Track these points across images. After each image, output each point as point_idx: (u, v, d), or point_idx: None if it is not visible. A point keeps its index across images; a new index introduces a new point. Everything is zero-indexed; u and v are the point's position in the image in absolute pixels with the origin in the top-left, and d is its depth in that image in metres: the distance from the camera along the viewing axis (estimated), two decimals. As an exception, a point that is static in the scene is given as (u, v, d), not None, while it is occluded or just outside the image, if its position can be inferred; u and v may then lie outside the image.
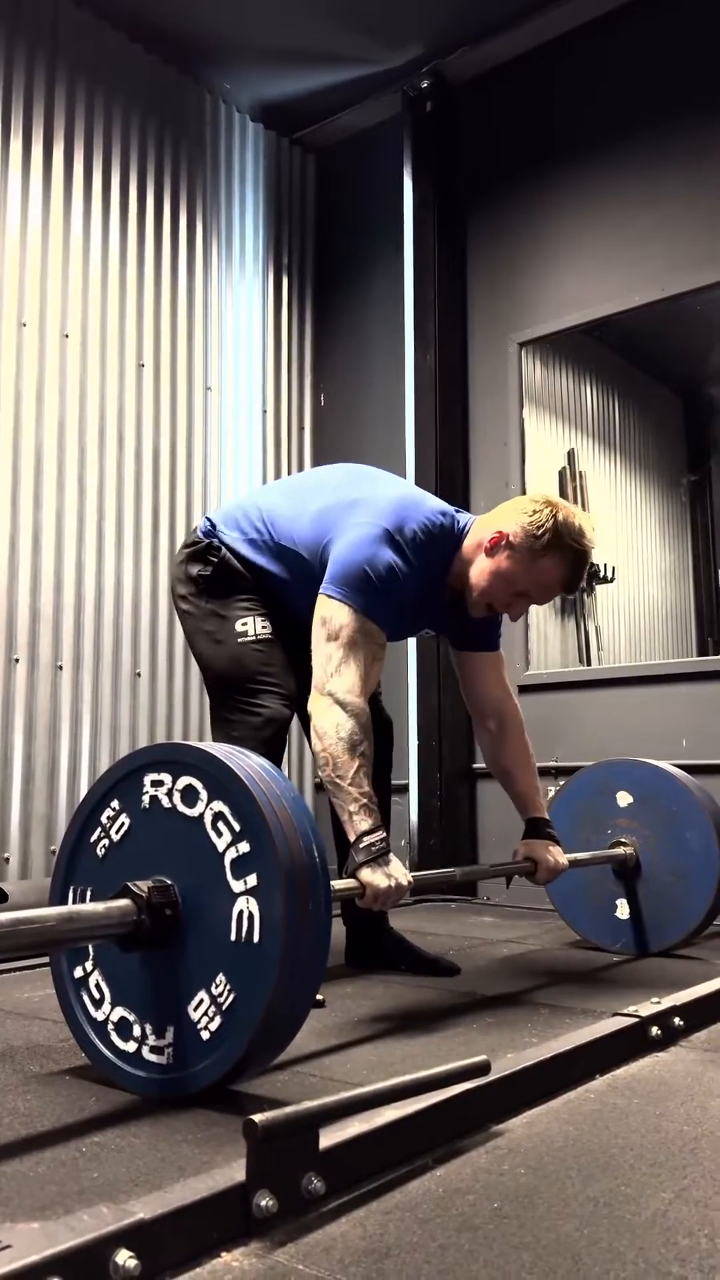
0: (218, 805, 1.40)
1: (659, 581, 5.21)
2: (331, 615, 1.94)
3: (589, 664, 4.55)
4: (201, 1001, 1.36)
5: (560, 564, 2.06)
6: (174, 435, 3.95)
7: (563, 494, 4.65)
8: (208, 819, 1.40)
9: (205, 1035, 1.36)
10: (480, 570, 2.09)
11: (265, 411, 4.35)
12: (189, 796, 1.43)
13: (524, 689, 3.83)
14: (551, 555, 2.04)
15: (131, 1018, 1.44)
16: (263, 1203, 1.00)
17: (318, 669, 1.94)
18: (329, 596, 1.96)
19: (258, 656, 2.16)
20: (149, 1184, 1.12)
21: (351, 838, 1.85)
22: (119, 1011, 1.46)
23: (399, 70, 4.20)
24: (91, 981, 1.51)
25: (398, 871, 1.84)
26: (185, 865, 1.41)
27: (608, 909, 2.61)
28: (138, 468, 3.82)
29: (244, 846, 1.36)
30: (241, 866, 1.36)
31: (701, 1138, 1.28)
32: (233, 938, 1.35)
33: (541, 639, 4.25)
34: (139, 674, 3.73)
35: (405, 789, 3.89)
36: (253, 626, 2.16)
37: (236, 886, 1.36)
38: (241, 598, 2.20)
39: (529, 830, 2.27)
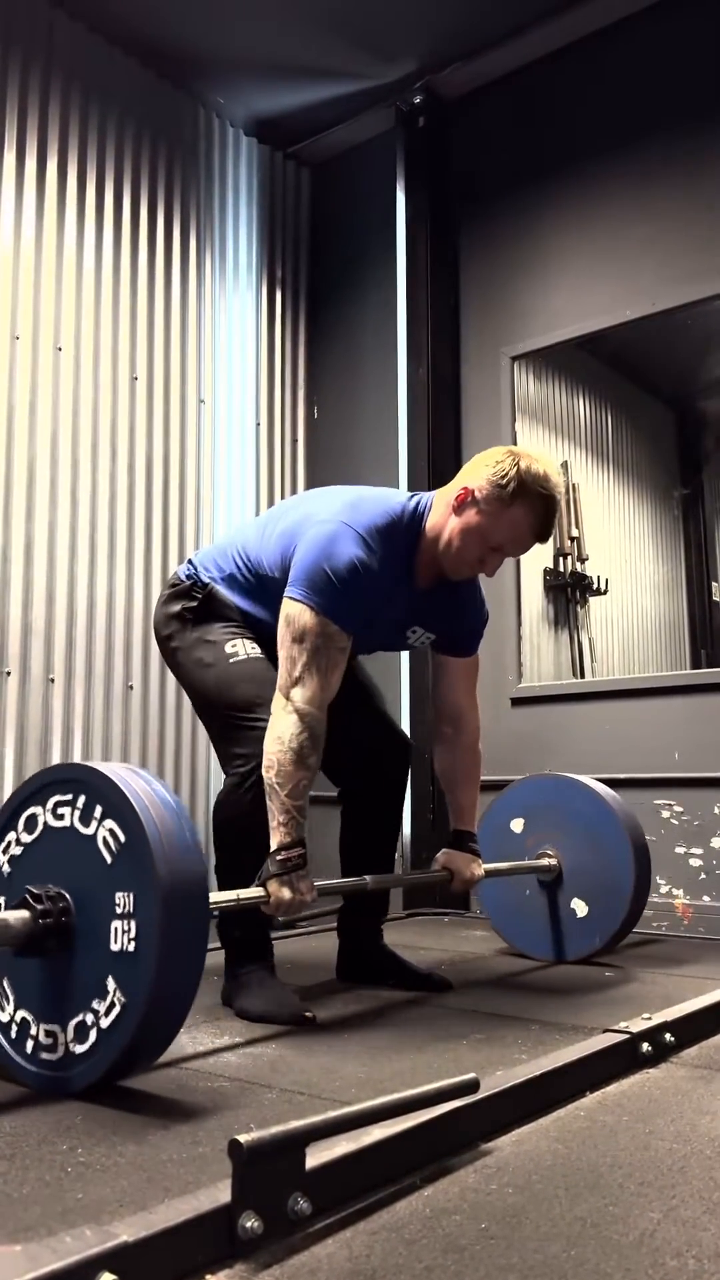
0: (109, 823, 1.50)
1: (652, 594, 5.22)
2: (294, 616, 1.98)
3: (582, 676, 4.55)
4: (92, 1004, 1.47)
5: (529, 512, 2.06)
6: (167, 448, 3.96)
7: (555, 506, 4.66)
8: (99, 835, 1.51)
9: (94, 1035, 1.46)
10: (451, 530, 2.10)
11: (258, 424, 4.35)
12: (83, 813, 1.54)
13: (516, 702, 3.83)
14: (520, 504, 2.04)
15: (30, 1018, 1.55)
16: (248, 1224, 0.99)
17: (282, 669, 1.98)
18: (291, 598, 1.99)
19: (251, 672, 2.15)
20: (134, 1205, 1.12)
21: (272, 847, 1.92)
22: (21, 1013, 1.56)
23: (392, 85, 4.22)
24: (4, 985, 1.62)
25: (304, 886, 1.91)
26: (77, 877, 1.52)
27: (532, 919, 2.72)
28: (130, 480, 3.82)
29: (126, 862, 1.47)
30: (123, 880, 1.46)
31: (691, 1156, 1.28)
32: (115, 947, 1.45)
33: (534, 651, 4.25)
34: (131, 686, 3.72)
35: (398, 802, 3.89)
36: (242, 648, 2.16)
37: (119, 898, 1.46)
38: (228, 625, 2.21)
39: (453, 841, 2.36)
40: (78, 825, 1.54)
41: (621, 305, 3.76)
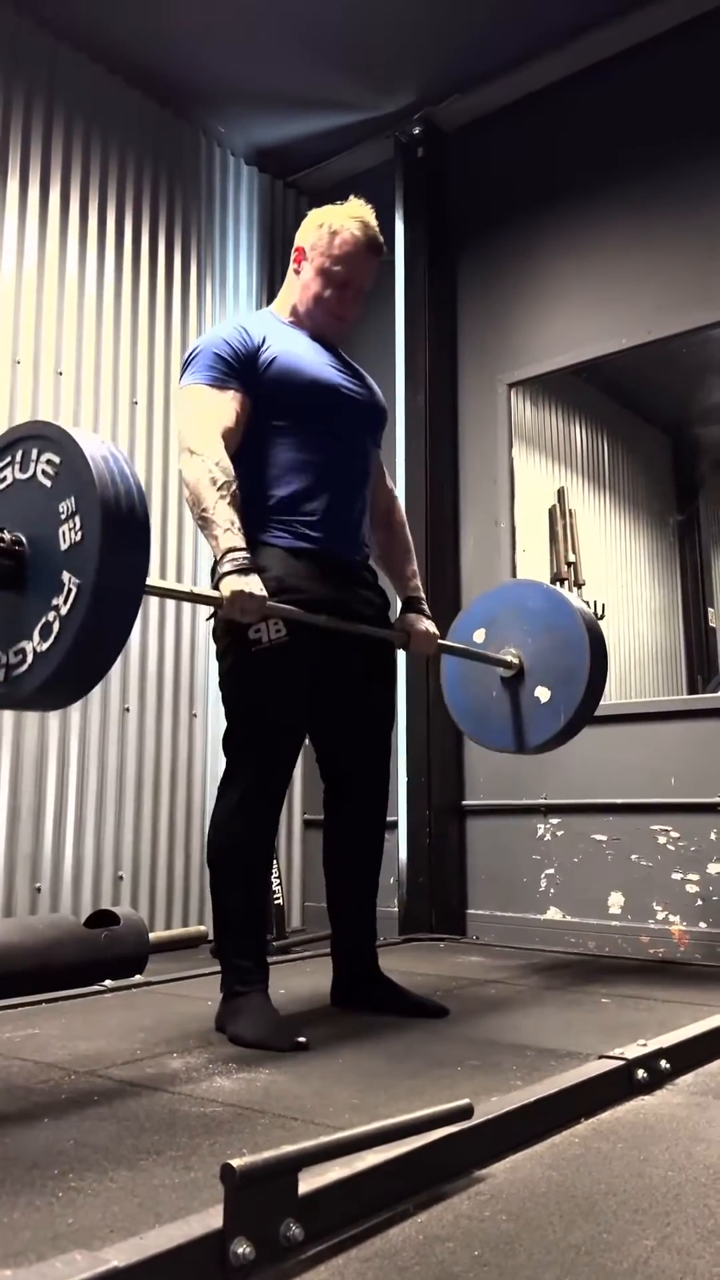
0: (46, 456, 1.65)
1: (649, 619, 5.23)
2: (180, 400, 2.18)
3: (578, 701, 4.54)
4: (52, 603, 1.58)
5: (352, 230, 2.29)
6: (166, 473, 3.97)
7: (553, 531, 4.69)
8: (37, 471, 1.66)
9: (57, 626, 1.57)
10: (303, 287, 2.34)
11: (257, 448, 4.37)
12: (21, 464, 1.68)
13: (513, 726, 3.82)
14: (342, 228, 2.29)
15: None
16: (240, 1250, 0.99)
17: (178, 436, 2.14)
18: (179, 390, 2.20)
19: (266, 675, 2.14)
20: (125, 1230, 1.11)
21: (219, 555, 2.00)
22: None
23: (391, 116, 4.28)
24: None
25: (256, 585, 1.98)
26: (26, 518, 1.65)
27: (499, 715, 2.81)
28: (129, 503, 3.83)
29: (63, 475, 1.61)
30: (63, 490, 1.60)
31: (685, 1184, 1.27)
32: (64, 546, 1.58)
33: (531, 676, 4.25)
34: (127, 709, 3.72)
35: (394, 825, 3.88)
36: (265, 632, 2.11)
37: (62, 507, 1.59)
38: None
39: (405, 608, 2.45)
40: (18, 476, 1.68)
41: (618, 334, 3.79)
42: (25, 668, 1.60)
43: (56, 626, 1.57)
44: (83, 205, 3.83)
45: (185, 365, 2.22)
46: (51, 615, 1.57)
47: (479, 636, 2.85)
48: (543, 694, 2.73)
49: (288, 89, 4.14)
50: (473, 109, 4.21)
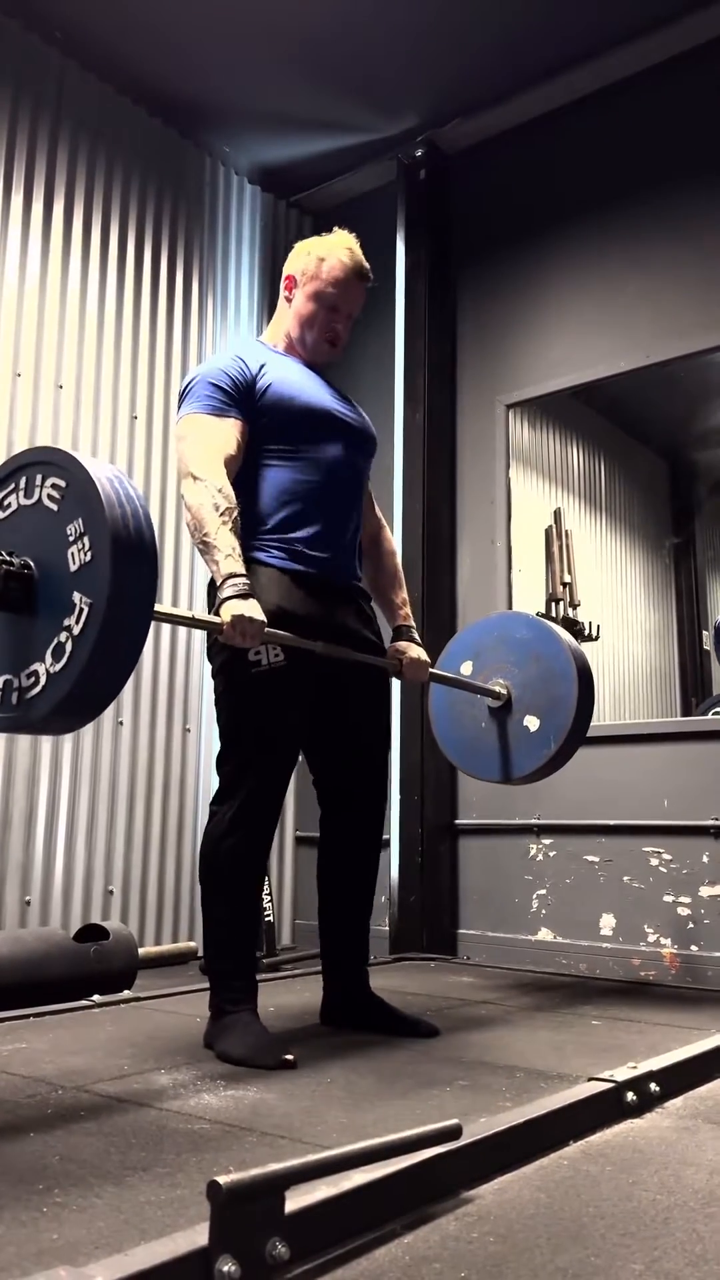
0: (51, 480, 1.67)
1: (643, 641, 5.24)
2: (181, 429, 2.19)
3: (572, 722, 4.54)
4: (64, 624, 1.59)
5: (339, 258, 2.33)
6: (165, 488, 3.98)
7: (549, 552, 4.70)
8: (43, 495, 1.67)
9: (70, 646, 1.58)
10: (295, 314, 2.36)
11: (255, 465, 4.38)
12: (26, 490, 1.70)
13: (507, 746, 3.82)
14: (329, 256, 2.33)
15: (10, 677, 1.66)
16: (225, 1268, 0.98)
17: (179, 463, 2.16)
18: (178, 420, 2.21)
19: (264, 697, 2.15)
20: (109, 1246, 1.10)
21: (220, 580, 2.01)
22: (4, 677, 1.67)
23: (394, 139, 4.31)
24: None
25: (256, 609, 1.99)
26: (33, 542, 1.67)
27: (489, 746, 2.82)
28: (127, 517, 3.84)
29: (70, 499, 1.64)
30: (70, 512, 1.63)
31: (674, 1207, 1.26)
32: (74, 568, 1.60)
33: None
34: (121, 722, 3.72)
35: (386, 844, 3.86)
36: (264, 655, 2.14)
37: (70, 529, 1.61)
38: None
39: (396, 635, 2.47)
40: (23, 502, 1.71)
41: (616, 357, 3.82)
42: (38, 690, 1.61)
43: (69, 647, 1.58)
44: (86, 221, 3.85)
45: (183, 395, 2.24)
46: (63, 636, 1.59)
47: (466, 669, 2.85)
48: (531, 723, 2.73)
49: (292, 110, 4.18)
50: (475, 133, 4.24)
